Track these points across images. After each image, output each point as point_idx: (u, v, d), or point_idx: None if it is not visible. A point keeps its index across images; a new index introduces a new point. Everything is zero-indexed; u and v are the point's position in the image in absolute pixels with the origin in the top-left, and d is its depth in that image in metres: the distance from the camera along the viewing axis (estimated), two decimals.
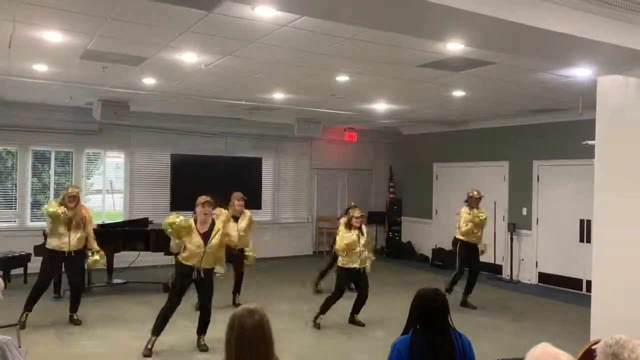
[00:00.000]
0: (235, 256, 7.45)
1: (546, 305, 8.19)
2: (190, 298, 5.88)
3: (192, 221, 5.53)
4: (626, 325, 4.01)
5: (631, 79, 4.51)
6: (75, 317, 6.59)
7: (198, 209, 5.54)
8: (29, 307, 6.35)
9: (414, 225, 12.61)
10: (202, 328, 5.72)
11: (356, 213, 6.64)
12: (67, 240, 6.34)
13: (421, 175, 12.30)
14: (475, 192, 7.88)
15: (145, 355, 5.44)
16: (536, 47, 3.98)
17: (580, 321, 5.74)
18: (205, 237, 5.50)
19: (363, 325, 6.75)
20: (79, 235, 6.41)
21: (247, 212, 7.57)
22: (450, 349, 2.86)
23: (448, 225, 10.02)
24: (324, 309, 6.63)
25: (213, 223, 5.65)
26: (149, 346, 5.49)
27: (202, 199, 5.58)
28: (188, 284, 5.62)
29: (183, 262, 5.54)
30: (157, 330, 5.55)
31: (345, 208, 8.07)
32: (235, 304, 7.40)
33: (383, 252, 12.52)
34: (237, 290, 7.66)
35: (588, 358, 2.86)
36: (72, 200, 6.38)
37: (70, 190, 6.49)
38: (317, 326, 6.58)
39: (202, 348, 5.67)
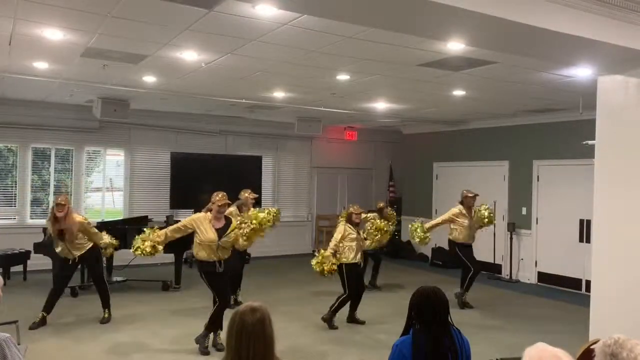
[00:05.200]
0: (239, 254, 7.47)
1: (545, 305, 8.19)
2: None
3: (200, 215, 5.63)
4: (625, 325, 4.02)
5: (631, 79, 4.51)
6: (105, 313, 6.54)
7: (214, 207, 5.58)
8: (46, 308, 6.31)
9: None
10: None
11: (355, 209, 6.73)
12: (67, 251, 6.27)
13: (421, 175, 12.29)
14: (471, 193, 7.90)
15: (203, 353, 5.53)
16: (537, 47, 3.97)
17: (579, 321, 5.74)
18: (220, 232, 5.57)
19: (363, 323, 6.77)
20: (75, 242, 6.29)
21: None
22: (453, 347, 2.85)
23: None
24: (352, 306, 6.73)
25: (228, 221, 5.71)
26: (206, 344, 5.58)
27: (221, 200, 5.59)
28: (218, 273, 5.59)
29: (201, 258, 5.58)
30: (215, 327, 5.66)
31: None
32: (237, 302, 7.39)
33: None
34: (237, 286, 7.61)
35: (587, 358, 2.86)
36: (61, 209, 6.13)
37: (59, 199, 6.27)
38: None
39: (218, 347, 5.61)
